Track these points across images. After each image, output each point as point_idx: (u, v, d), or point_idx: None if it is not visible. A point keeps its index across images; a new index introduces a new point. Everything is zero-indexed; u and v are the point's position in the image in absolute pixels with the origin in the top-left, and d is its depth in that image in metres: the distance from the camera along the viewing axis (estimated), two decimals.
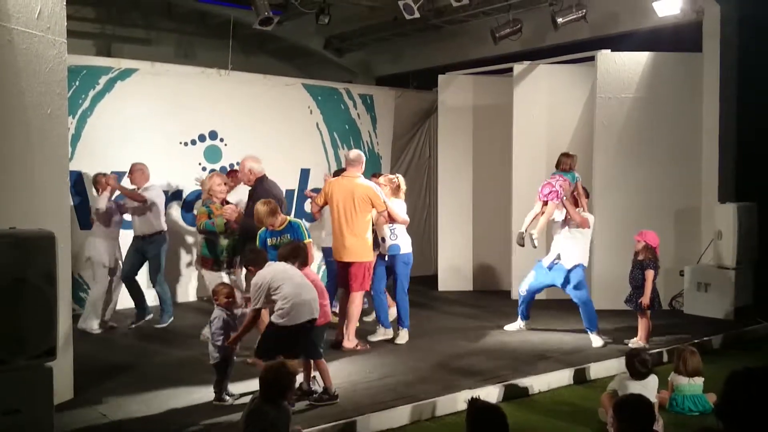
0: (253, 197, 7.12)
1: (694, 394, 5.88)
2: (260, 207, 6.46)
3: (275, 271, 5.56)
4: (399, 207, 7.75)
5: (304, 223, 6.73)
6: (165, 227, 8.38)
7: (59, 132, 5.70)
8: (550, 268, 7.91)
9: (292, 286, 5.45)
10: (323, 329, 5.93)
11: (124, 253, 8.32)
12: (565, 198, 7.69)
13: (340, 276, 7.62)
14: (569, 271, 7.77)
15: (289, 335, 5.43)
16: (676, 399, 5.91)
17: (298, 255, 5.77)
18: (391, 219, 7.57)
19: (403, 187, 7.94)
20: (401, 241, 7.73)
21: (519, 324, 8.33)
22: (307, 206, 10.70)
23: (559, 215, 7.85)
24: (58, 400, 5.09)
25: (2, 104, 5.10)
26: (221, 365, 5.68)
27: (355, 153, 7.69)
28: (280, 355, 5.32)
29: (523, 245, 7.89)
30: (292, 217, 6.79)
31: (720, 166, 9.44)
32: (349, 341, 7.46)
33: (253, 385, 5.60)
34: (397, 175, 8.14)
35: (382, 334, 7.83)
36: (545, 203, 7.77)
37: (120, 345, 7.66)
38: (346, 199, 7.32)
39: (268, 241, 6.52)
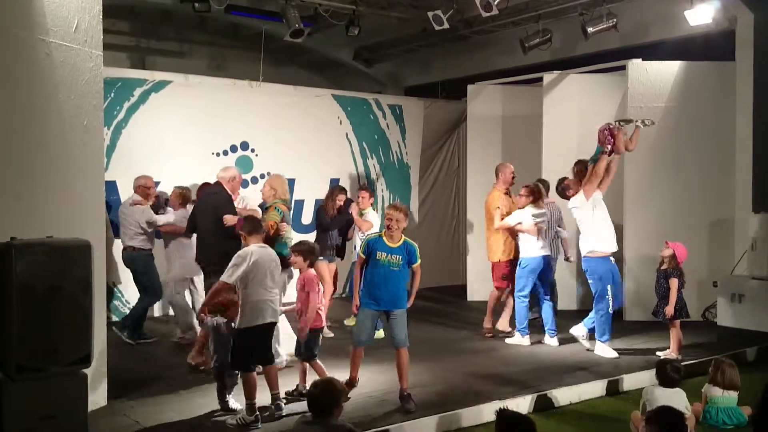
0: None
1: (728, 406, 5.78)
2: (392, 211, 5.97)
3: (260, 258, 5.59)
4: (522, 215, 8.17)
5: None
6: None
7: (95, 143, 5.82)
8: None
9: (258, 284, 5.53)
10: (319, 332, 6.07)
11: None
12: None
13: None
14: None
15: (254, 337, 5.52)
16: (710, 411, 5.80)
17: (311, 255, 6.11)
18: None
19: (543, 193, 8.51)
20: (522, 247, 8.21)
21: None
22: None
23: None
24: (92, 406, 5.16)
25: (40, 116, 5.23)
26: (217, 371, 5.72)
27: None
28: (254, 361, 5.53)
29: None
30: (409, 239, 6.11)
31: (754, 175, 9.29)
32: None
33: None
34: (536, 182, 8.72)
35: (517, 340, 8.17)
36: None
37: (152, 353, 7.74)
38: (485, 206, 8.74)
39: (378, 254, 5.88)
